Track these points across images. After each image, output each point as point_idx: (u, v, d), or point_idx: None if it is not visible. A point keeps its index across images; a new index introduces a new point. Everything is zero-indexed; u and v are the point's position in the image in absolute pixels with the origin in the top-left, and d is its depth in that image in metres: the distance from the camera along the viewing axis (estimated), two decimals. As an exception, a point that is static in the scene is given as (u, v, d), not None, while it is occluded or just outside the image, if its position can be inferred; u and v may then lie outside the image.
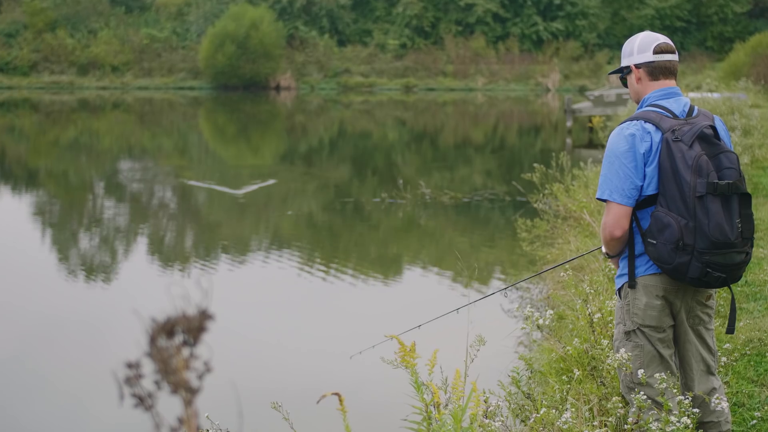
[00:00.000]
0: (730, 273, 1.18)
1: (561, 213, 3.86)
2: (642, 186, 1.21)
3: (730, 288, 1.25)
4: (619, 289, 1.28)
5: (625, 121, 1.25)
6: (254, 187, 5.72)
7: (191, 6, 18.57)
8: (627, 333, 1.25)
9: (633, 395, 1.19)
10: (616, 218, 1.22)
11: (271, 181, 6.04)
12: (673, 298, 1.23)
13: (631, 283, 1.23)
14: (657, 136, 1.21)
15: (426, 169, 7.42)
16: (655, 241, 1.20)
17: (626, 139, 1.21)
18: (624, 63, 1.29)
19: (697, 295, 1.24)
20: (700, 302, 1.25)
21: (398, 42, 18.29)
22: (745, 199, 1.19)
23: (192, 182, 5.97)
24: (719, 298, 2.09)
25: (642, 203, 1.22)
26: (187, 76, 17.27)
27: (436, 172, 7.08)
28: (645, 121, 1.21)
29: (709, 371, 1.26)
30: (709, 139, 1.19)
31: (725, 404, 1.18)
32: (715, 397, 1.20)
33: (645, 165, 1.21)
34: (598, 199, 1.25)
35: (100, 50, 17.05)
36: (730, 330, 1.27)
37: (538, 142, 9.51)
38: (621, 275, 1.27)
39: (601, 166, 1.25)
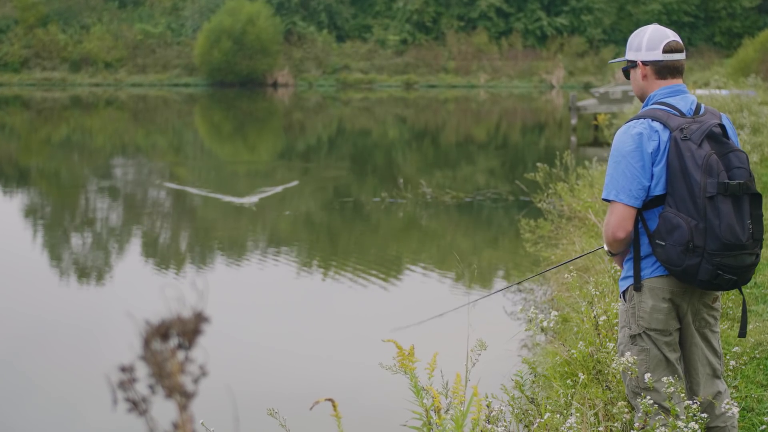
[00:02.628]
0: (740, 275, 1.17)
1: (565, 213, 3.82)
2: (649, 186, 1.19)
3: (740, 290, 1.23)
4: (624, 292, 1.25)
5: (631, 119, 1.22)
6: (279, 188, 5.54)
7: (186, 1, 18.47)
8: (632, 337, 1.23)
9: (639, 400, 1.17)
10: (620, 219, 1.19)
11: (294, 183, 5.88)
12: (679, 300, 1.21)
13: (636, 286, 1.21)
14: (665, 135, 1.18)
15: (427, 167, 7.37)
16: (663, 243, 1.17)
17: (633, 138, 1.19)
18: (630, 56, 1.26)
19: (703, 298, 1.23)
20: (706, 305, 1.24)
21: (398, 37, 18.24)
22: (756, 199, 1.17)
23: (201, 192, 5.58)
24: (726, 299, 2.05)
25: (649, 203, 1.20)
26: (182, 73, 17.17)
27: (438, 170, 7.02)
28: (652, 120, 1.19)
29: (715, 375, 1.25)
30: (718, 137, 1.18)
31: (735, 410, 1.14)
32: (725, 402, 1.18)
33: (653, 165, 1.18)
34: (603, 199, 1.21)
35: (93, 46, 16.94)
36: (742, 333, 1.25)
37: (542, 140, 9.47)
38: (626, 277, 1.24)
39: (607, 165, 1.22)
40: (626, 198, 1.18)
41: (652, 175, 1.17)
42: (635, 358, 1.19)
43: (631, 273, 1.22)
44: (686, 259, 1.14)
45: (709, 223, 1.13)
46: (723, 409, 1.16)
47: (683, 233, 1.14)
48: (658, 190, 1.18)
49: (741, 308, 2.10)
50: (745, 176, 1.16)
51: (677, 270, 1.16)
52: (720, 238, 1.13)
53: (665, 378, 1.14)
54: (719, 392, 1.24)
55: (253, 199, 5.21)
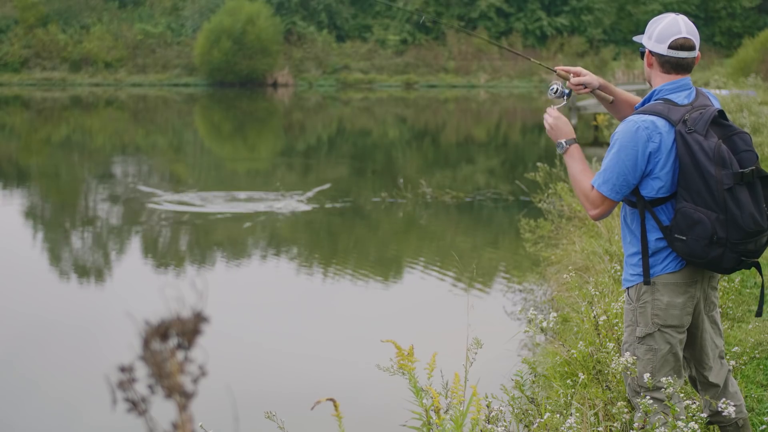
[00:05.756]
0: (759, 255, 1.20)
1: (565, 213, 3.83)
2: (637, 184, 1.19)
3: (759, 271, 1.23)
4: (628, 290, 1.24)
5: (636, 114, 1.21)
6: (311, 193, 5.39)
7: (186, 1, 18.44)
8: (642, 336, 1.21)
9: (639, 399, 1.17)
10: (602, 211, 1.22)
11: (326, 185, 5.75)
12: (693, 290, 1.21)
13: (646, 281, 1.20)
14: (669, 135, 1.18)
15: (427, 167, 7.37)
16: (685, 237, 1.16)
17: (633, 135, 1.18)
18: (643, 41, 1.26)
19: (711, 281, 1.24)
20: (712, 286, 1.25)
21: (399, 37, 18.23)
22: (766, 181, 1.19)
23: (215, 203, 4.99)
24: (726, 299, 2.04)
25: (658, 200, 1.19)
26: (182, 73, 17.12)
27: (438, 170, 7.04)
28: (657, 117, 1.18)
29: (721, 355, 1.27)
30: (719, 121, 1.19)
31: (732, 409, 1.15)
32: (722, 401, 1.18)
33: (656, 166, 1.17)
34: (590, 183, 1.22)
35: (93, 46, 16.89)
36: (759, 313, 1.26)
37: (542, 139, 9.44)
38: (634, 275, 1.23)
39: (606, 153, 1.22)
40: (606, 190, 1.19)
41: (656, 177, 1.17)
42: (634, 358, 1.19)
43: (638, 270, 1.20)
44: (710, 252, 1.14)
45: (731, 215, 1.13)
46: (720, 408, 1.17)
47: (706, 227, 1.13)
48: (663, 192, 1.17)
49: (738, 308, 2.12)
50: (754, 159, 1.16)
51: (701, 262, 1.16)
52: (743, 227, 1.13)
53: (664, 378, 1.15)
54: (729, 370, 1.27)
55: (287, 206, 4.95)
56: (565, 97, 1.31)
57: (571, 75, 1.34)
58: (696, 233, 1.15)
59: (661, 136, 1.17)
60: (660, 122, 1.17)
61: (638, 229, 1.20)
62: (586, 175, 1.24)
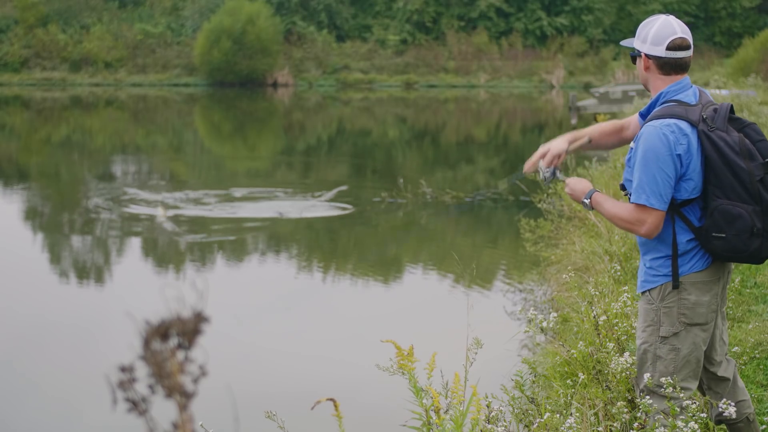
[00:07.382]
0: None
1: (565, 213, 3.83)
2: (675, 188, 1.20)
3: None
4: (650, 291, 1.23)
5: (656, 119, 1.20)
6: (331, 194, 5.31)
7: (186, 1, 18.45)
8: (667, 336, 1.21)
9: (647, 400, 1.18)
10: (657, 224, 1.19)
11: (343, 187, 5.70)
12: (717, 288, 1.23)
13: (675, 284, 1.20)
14: (693, 135, 1.19)
15: (427, 167, 7.39)
16: (724, 234, 1.18)
17: (662, 141, 1.18)
18: (636, 45, 1.25)
19: (728, 278, 1.26)
20: (727, 282, 1.27)
21: (399, 37, 18.24)
22: None
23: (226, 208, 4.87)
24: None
25: (685, 201, 1.20)
26: (182, 73, 17.14)
27: (438, 170, 7.05)
28: (678, 119, 1.19)
29: (726, 351, 1.29)
30: (732, 116, 1.22)
31: (732, 409, 1.16)
32: (722, 402, 1.19)
33: (688, 167, 1.18)
34: (633, 203, 1.20)
35: (93, 46, 16.91)
36: None
37: (542, 139, 9.38)
38: (657, 276, 1.22)
39: (636, 167, 1.20)
40: (657, 202, 1.18)
41: (689, 178, 1.18)
42: (634, 358, 1.22)
43: (665, 272, 1.20)
44: (751, 244, 1.17)
45: (766, 204, 1.16)
46: (721, 408, 1.17)
47: (746, 221, 1.16)
48: (695, 192, 1.18)
49: (738, 308, 2.12)
50: None
51: (742, 256, 1.18)
52: None
53: (664, 379, 1.15)
54: (735, 366, 1.29)
55: (293, 207, 4.88)
56: (557, 175, 1.32)
57: (540, 161, 1.32)
58: (737, 228, 1.16)
59: (687, 138, 1.18)
60: (682, 124, 1.18)
61: (667, 232, 1.20)
62: (619, 206, 1.23)
